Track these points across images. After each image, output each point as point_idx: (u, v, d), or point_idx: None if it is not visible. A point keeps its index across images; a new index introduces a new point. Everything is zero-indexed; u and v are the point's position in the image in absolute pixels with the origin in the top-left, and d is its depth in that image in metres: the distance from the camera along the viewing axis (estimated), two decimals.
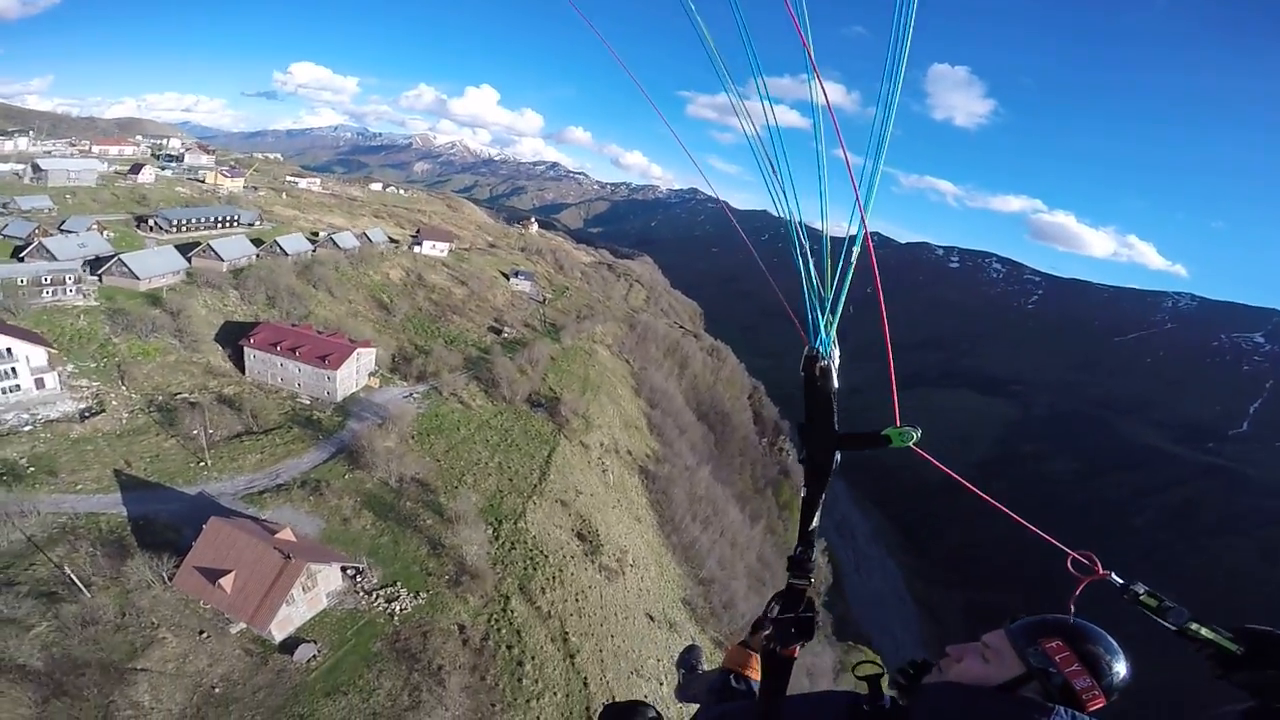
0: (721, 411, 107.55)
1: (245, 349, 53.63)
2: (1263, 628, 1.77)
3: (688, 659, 3.92)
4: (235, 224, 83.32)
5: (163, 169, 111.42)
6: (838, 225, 1.62)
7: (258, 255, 72.51)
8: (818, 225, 1.64)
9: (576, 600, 41.34)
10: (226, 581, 29.85)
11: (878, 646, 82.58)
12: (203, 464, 41.49)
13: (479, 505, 44.31)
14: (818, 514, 1.82)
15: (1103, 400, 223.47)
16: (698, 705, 3.03)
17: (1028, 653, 1.81)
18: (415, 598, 35.82)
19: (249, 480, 41.08)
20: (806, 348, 1.59)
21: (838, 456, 1.69)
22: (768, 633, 2.04)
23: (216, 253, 66.69)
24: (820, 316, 1.62)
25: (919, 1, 1.35)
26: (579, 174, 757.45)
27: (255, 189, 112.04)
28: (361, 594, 35.34)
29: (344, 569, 35.65)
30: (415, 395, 57.51)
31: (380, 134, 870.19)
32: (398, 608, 34.88)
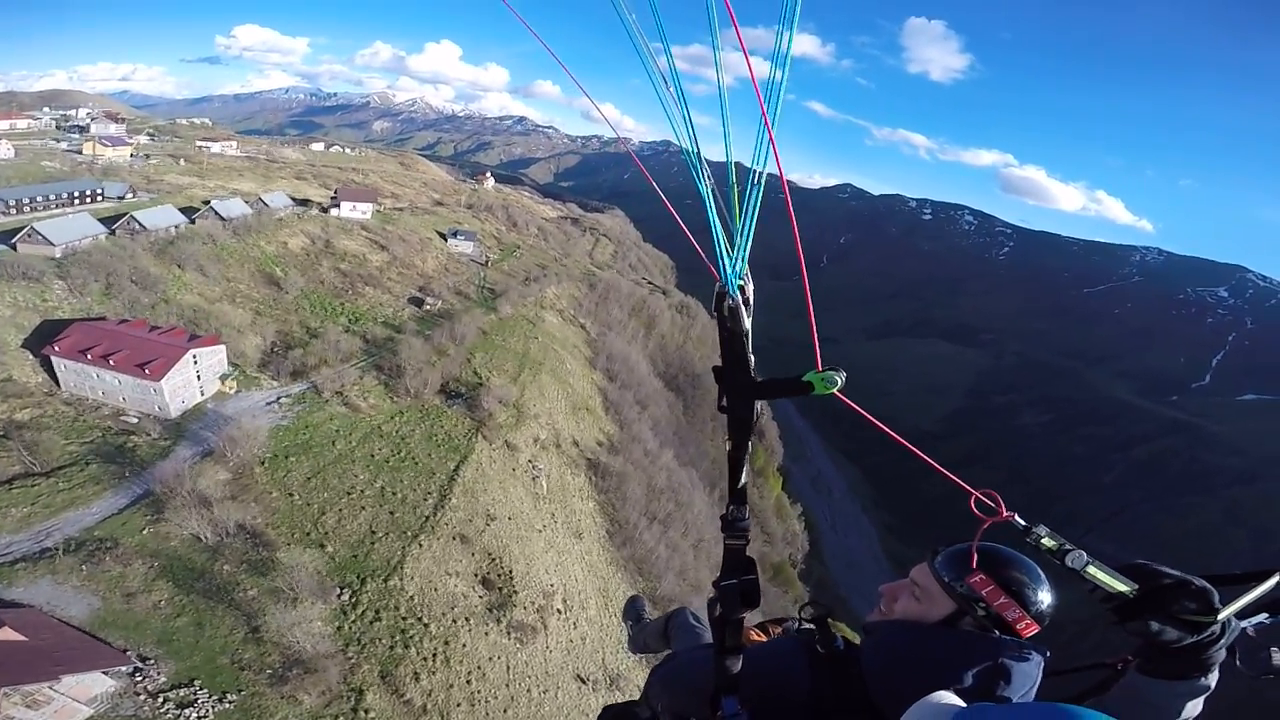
0: (692, 373, 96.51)
1: (52, 358, 39.86)
2: (1154, 565, 1.70)
3: (634, 609, 3.67)
4: (98, 199, 66.96)
5: (57, 141, 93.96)
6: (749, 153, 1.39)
7: (110, 234, 57.07)
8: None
9: (469, 681, 30.07)
10: None
11: (854, 608, 75.19)
12: None
13: (334, 560, 32.33)
14: (745, 469, 1.67)
15: (1072, 350, 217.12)
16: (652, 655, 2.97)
17: (954, 587, 1.80)
18: (221, 701, 24.28)
19: (2, 546, 28.44)
20: (718, 284, 1.41)
21: (758, 406, 1.49)
22: (712, 597, 1.87)
23: (44, 236, 51.18)
24: (726, 249, 1.39)
25: None
26: (548, 128, 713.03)
27: (146, 157, 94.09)
28: (144, 697, 23.78)
29: (105, 672, 23.88)
30: (284, 400, 44.36)
31: (335, 94, 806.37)
32: (194, 716, 23.45)
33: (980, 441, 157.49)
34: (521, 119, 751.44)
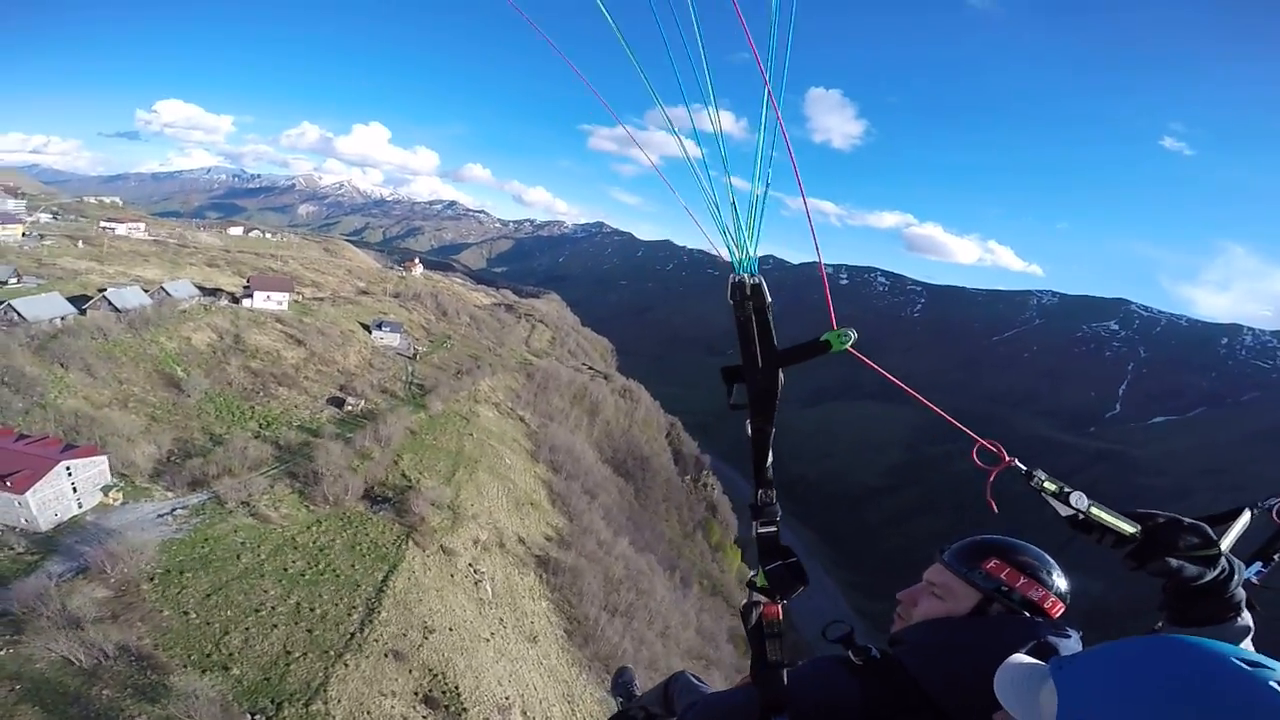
0: (639, 456, 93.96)
1: None
2: (1144, 510, 1.73)
3: (622, 681, 3.49)
4: None
5: None
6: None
7: None
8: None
9: None
10: None
11: None
12: None
13: (242, 684, 26.76)
14: (770, 451, 1.68)
15: (993, 396, 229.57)
16: None
17: (973, 578, 1.82)
18: None
19: None
20: (733, 276, 1.52)
21: (781, 377, 1.58)
22: (745, 604, 1.83)
23: None
24: (743, 240, 1.53)
25: (794, 26, 1.33)
26: (479, 212, 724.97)
27: (40, 237, 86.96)
28: None
29: None
30: (179, 511, 38.48)
31: (259, 175, 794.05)
32: None
33: (925, 490, 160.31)
34: (452, 203, 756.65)
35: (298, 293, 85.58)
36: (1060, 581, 1.83)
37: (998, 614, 1.79)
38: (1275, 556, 2.02)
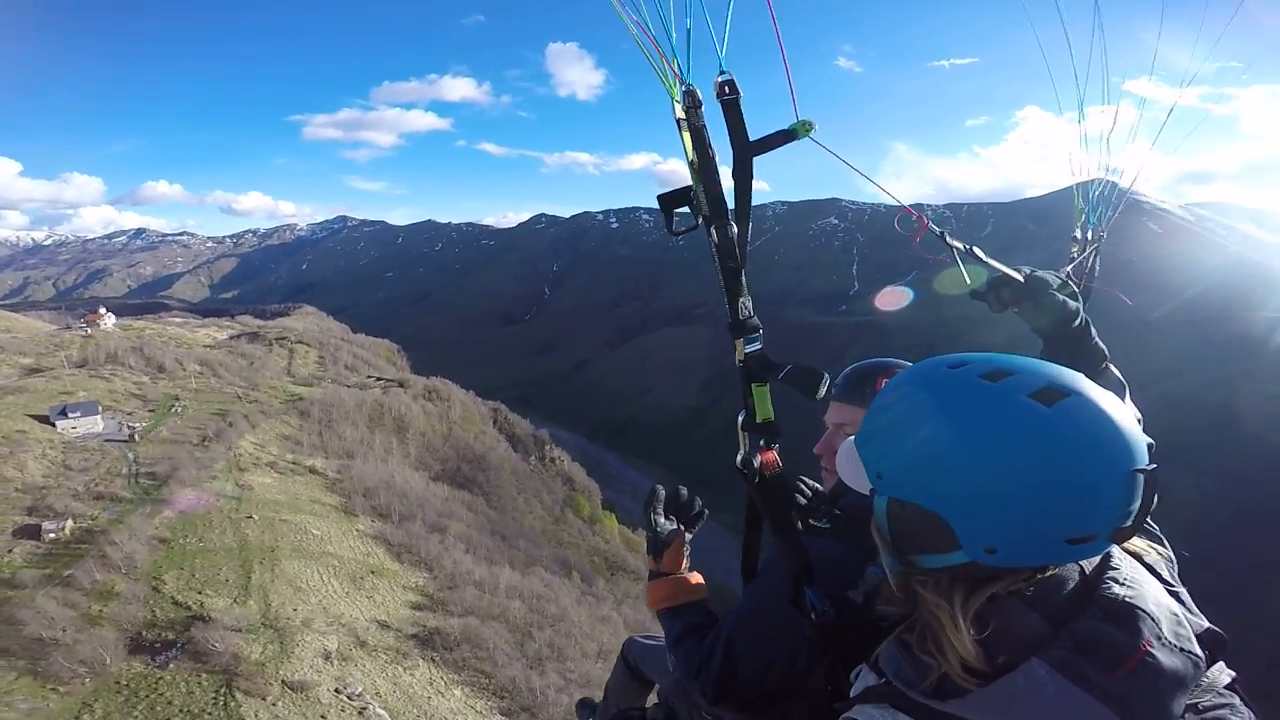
0: (473, 457, 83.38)
1: None
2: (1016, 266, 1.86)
3: (586, 708, 3.22)
4: None
5: None
6: None
7: None
8: None
9: None
10: None
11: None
12: None
13: None
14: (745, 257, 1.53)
15: (763, 298, 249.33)
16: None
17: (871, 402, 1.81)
18: None
19: None
20: (681, 87, 1.38)
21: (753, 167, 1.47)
22: (743, 458, 1.66)
23: None
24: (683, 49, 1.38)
25: None
26: (180, 235, 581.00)
27: None
28: None
29: None
30: None
31: None
32: None
33: (735, 401, 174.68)
34: (140, 231, 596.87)
35: None
36: None
37: None
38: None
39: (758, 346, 1.57)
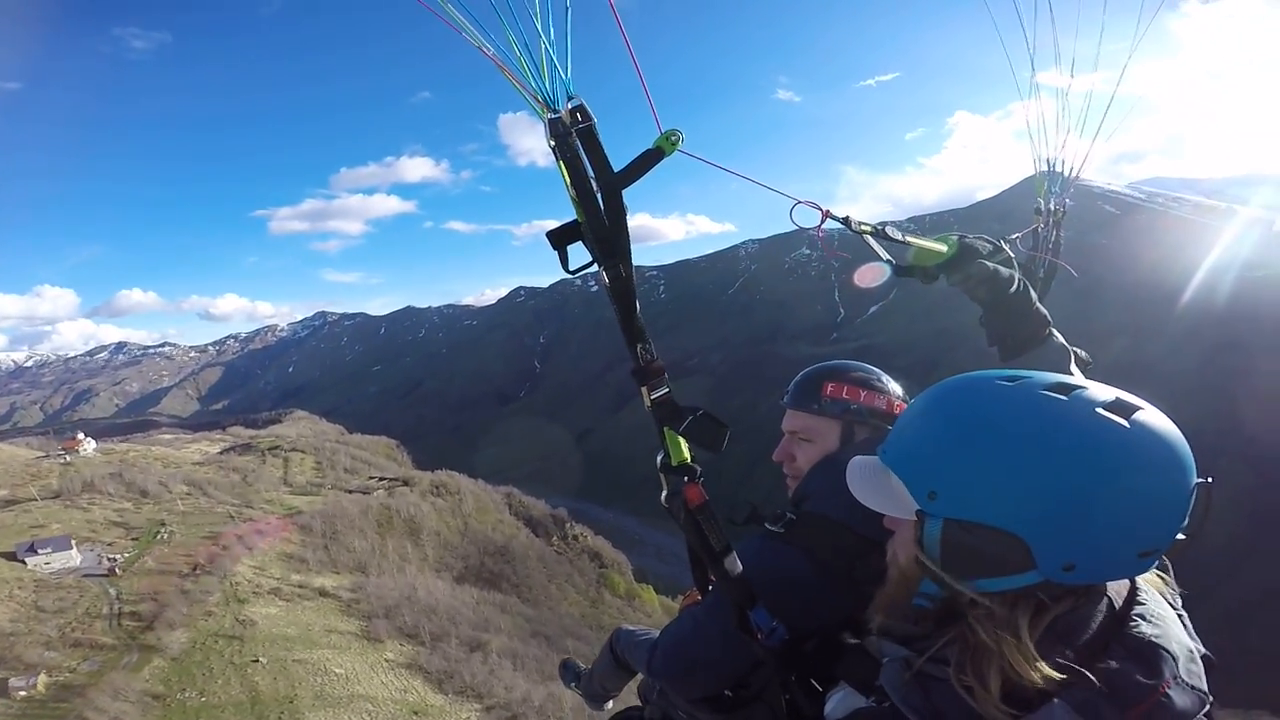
0: (495, 550, 76.90)
1: None
2: (947, 234, 1.83)
3: (569, 669, 3.19)
4: None
5: None
6: None
7: None
8: None
9: None
10: None
11: None
12: None
13: None
14: (635, 300, 1.44)
15: (754, 339, 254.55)
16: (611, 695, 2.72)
17: (823, 409, 1.81)
18: None
19: None
20: (547, 114, 1.31)
21: (626, 203, 1.37)
22: (668, 492, 1.62)
23: None
24: (549, 60, 1.30)
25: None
26: (162, 347, 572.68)
27: None
28: None
29: None
30: None
31: None
32: None
33: (750, 444, 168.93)
34: (121, 345, 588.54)
35: None
36: (894, 386, 1.86)
37: (865, 436, 1.77)
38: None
39: (665, 391, 1.49)
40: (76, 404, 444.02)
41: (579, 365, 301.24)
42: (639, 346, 1.44)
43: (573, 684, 3.27)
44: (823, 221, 1.48)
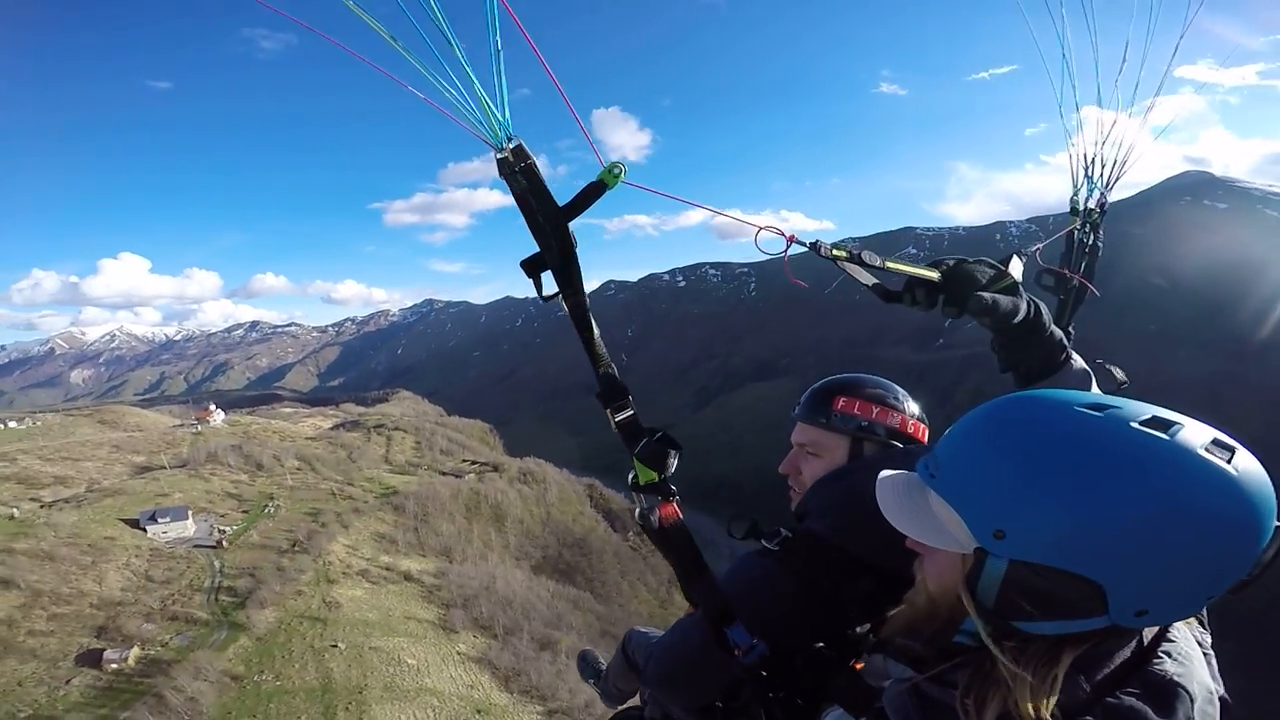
0: (573, 541, 75.59)
1: None
2: (939, 258, 1.61)
3: (587, 663, 3.16)
4: None
5: None
6: None
7: None
8: None
9: None
10: None
11: None
12: None
13: None
14: (593, 321, 1.47)
15: (852, 340, 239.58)
16: (626, 697, 2.65)
17: (833, 423, 1.77)
18: None
19: None
20: (495, 154, 1.34)
21: (574, 237, 1.40)
22: (641, 509, 1.65)
23: None
24: (492, 101, 1.32)
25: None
26: (289, 326, 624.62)
27: None
28: None
29: None
30: None
31: (4, 346, 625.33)
32: None
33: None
34: (254, 324, 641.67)
35: (11, 507, 55.04)
36: (911, 405, 1.80)
37: (873, 454, 1.73)
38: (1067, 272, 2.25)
39: (629, 414, 1.52)
40: (214, 376, 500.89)
41: (665, 359, 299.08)
42: (602, 369, 1.48)
43: (590, 680, 3.08)
44: (788, 248, 1.43)
